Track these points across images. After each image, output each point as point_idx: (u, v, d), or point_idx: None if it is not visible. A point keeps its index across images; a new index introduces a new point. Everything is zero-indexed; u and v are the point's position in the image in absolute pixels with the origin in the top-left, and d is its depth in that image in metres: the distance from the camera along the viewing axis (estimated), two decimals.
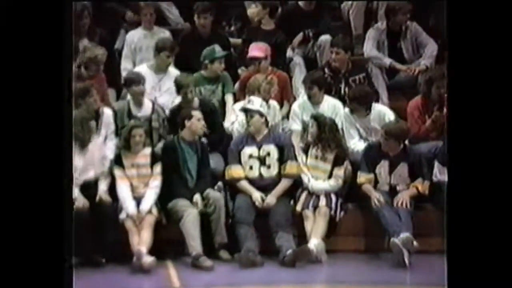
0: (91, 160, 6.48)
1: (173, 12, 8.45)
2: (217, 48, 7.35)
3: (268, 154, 6.71)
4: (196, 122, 6.63)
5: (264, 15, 7.86)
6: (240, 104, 7.15)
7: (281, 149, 6.71)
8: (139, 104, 6.97)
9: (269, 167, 6.71)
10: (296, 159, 6.73)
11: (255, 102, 6.75)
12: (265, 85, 7.06)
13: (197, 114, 6.66)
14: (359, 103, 7.02)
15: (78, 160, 6.37)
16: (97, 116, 6.70)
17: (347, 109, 7.12)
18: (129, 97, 7.06)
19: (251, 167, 6.69)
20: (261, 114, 6.72)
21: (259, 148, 6.70)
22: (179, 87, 7.02)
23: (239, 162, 6.67)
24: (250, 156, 6.69)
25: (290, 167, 6.69)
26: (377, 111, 7.06)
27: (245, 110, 6.74)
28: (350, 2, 8.36)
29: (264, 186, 6.66)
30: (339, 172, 6.70)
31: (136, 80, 6.94)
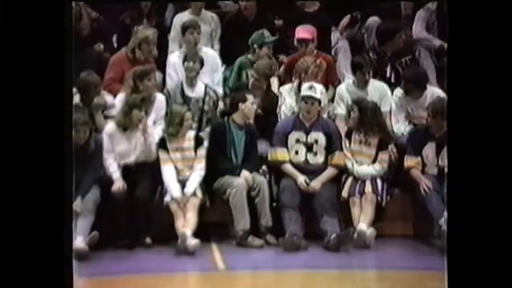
0: (134, 144, 6.50)
1: None
2: (266, 33, 7.29)
3: (316, 141, 6.65)
4: (250, 106, 6.62)
5: None
6: (287, 87, 7.08)
7: (329, 137, 6.65)
8: (192, 84, 6.99)
9: (315, 154, 6.65)
10: (342, 149, 6.66)
11: (317, 90, 6.66)
12: (314, 68, 6.99)
13: (251, 97, 6.64)
14: (415, 84, 6.91)
15: (121, 145, 6.43)
16: (149, 100, 6.73)
17: (400, 91, 7.00)
18: (182, 77, 7.05)
19: (296, 152, 6.65)
20: (320, 102, 6.65)
21: (307, 134, 6.65)
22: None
23: (285, 145, 6.62)
24: (297, 141, 6.64)
25: (338, 158, 6.63)
26: (431, 92, 6.91)
27: (308, 97, 6.61)
28: None
29: (309, 171, 6.61)
30: (384, 156, 6.61)
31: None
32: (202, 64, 7.00)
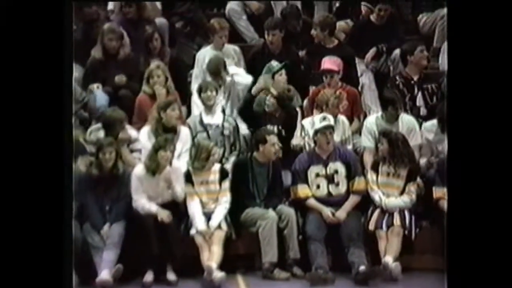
0: (162, 189, 6.47)
1: (247, 27, 8.49)
2: (274, 63, 7.35)
3: (336, 171, 6.61)
4: (270, 147, 6.59)
5: (324, 36, 7.76)
6: (309, 120, 7.07)
7: (348, 165, 6.62)
8: (211, 112, 7.03)
9: (337, 184, 6.61)
10: (364, 174, 6.62)
11: (330, 119, 6.67)
12: (333, 99, 6.98)
13: (271, 138, 6.62)
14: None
15: (150, 190, 6.40)
16: (173, 133, 6.76)
17: (433, 122, 6.92)
18: (201, 106, 7.11)
19: (318, 186, 6.62)
20: (334, 130, 6.64)
21: (326, 166, 6.62)
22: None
23: (305, 181, 6.59)
24: (317, 175, 6.61)
25: (359, 183, 6.59)
26: None
27: (325, 128, 6.59)
28: (428, 15, 8.23)
29: (333, 203, 6.57)
30: (412, 187, 6.54)
31: (204, 86, 7.05)
32: (217, 91, 7.06)
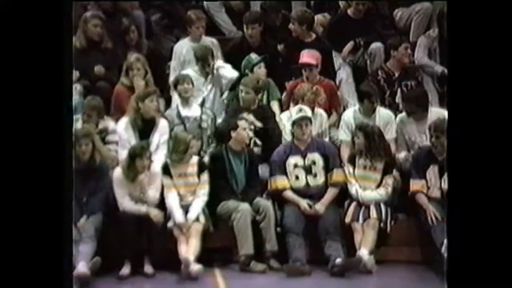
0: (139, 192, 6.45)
1: (226, 20, 8.49)
2: (253, 55, 7.38)
3: (314, 162, 6.65)
4: (242, 132, 6.61)
5: (302, 31, 7.78)
6: (286, 114, 7.11)
7: (325, 157, 6.65)
8: (188, 104, 7.03)
9: (315, 175, 6.65)
10: (341, 166, 6.67)
11: (307, 110, 6.71)
12: (310, 95, 7.02)
13: (242, 123, 6.64)
14: (417, 104, 6.94)
15: (128, 194, 6.38)
16: (151, 125, 6.76)
17: (403, 113, 7.03)
18: (178, 99, 7.11)
19: (297, 177, 6.64)
20: (311, 121, 6.68)
21: (304, 157, 6.65)
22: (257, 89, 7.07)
23: (284, 172, 6.61)
24: (296, 166, 6.63)
25: (337, 175, 6.62)
26: (433, 115, 6.91)
27: (301, 119, 6.64)
28: (404, 9, 8.29)
29: (311, 195, 6.60)
30: (389, 180, 6.59)
31: (180, 79, 7.04)
32: (193, 84, 7.06)
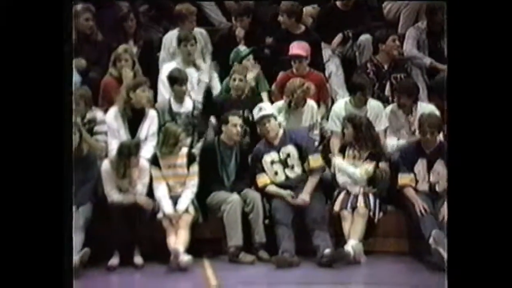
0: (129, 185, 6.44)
1: (215, 11, 8.47)
2: (241, 47, 7.37)
3: (288, 155, 6.68)
4: (231, 128, 6.61)
5: (291, 23, 7.77)
6: (278, 104, 7.11)
7: (298, 146, 6.68)
8: (180, 101, 7.02)
9: (292, 167, 6.68)
10: (316, 151, 6.71)
11: (267, 107, 6.75)
12: (300, 92, 7.01)
13: (233, 119, 6.64)
14: (408, 95, 6.96)
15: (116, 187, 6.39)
16: (141, 115, 6.74)
17: (393, 105, 7.06)
18: (171, 95, 7.09)
19: (276, 173, 6.67)
20: (275, 117, 6.70)
21: (278, 152, 6.67)
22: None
23: (263, 170, 6.64)
24: (272, 162, 6.66)
25: (313, 161, 6.66)
26: (422, 109, 6.95)
27: (261, 118, 6.65)
28: (393, 2, 8.31)
29: (293, 186, 6.62)
30: (369, 166, 6.59)
31: (179, 79, 6.98)
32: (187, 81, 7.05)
